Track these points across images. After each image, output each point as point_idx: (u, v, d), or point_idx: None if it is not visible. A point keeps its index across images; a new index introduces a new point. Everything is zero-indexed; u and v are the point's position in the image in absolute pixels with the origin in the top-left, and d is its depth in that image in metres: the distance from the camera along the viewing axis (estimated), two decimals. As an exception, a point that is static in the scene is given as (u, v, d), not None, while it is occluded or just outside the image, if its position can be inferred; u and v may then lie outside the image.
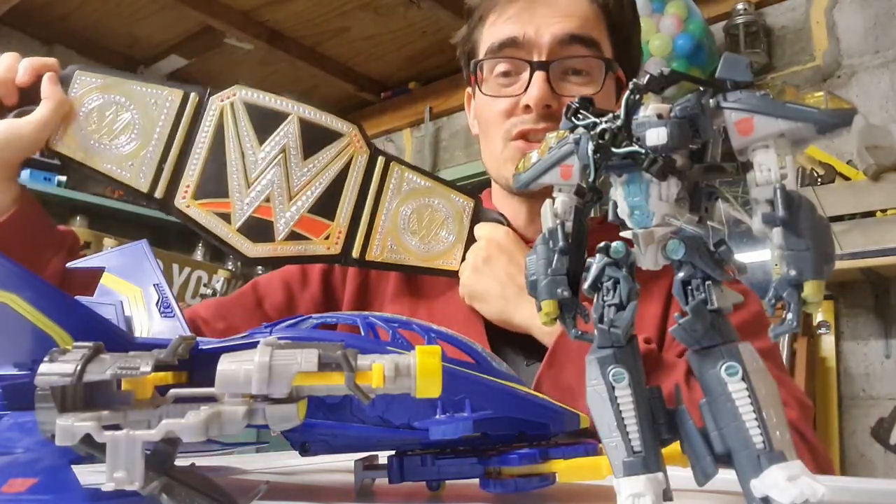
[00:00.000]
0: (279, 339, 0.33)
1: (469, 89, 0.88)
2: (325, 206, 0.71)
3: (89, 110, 0.69)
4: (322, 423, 0.39)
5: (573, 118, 0.33)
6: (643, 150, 0.30)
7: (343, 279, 0.86)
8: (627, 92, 0.32)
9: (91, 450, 0.28)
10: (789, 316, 0.28)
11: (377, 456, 0.44)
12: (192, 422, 0.28)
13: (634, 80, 0.32)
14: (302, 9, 2.95)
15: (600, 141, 0.31)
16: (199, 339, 0.37)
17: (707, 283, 0.30)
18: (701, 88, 0.31)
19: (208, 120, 0.70)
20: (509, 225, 0.78)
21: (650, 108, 0.31)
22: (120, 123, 0.69)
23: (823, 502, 0.26)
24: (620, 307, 0.31)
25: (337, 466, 0.53)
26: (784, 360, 1.87)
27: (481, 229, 0.75)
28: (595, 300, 0.32)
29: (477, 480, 0.38)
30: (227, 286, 3.11)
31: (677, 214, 0.31)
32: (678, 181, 0.31)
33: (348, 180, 0.72)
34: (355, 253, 0.72)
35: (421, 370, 0.31)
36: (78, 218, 3.09)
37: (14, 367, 0.37)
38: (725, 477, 0.30)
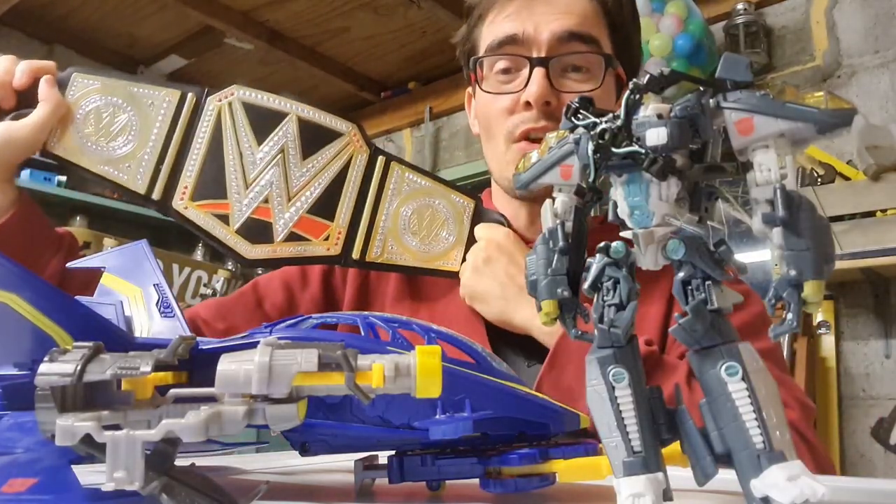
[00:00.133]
0: (279, 339, 0.33)
1: (469, 89, 0.88)
2: (325, 206, 0.71)
3: (87, 112, 0.69)
4: (322, 423, 0.39)
5: (573, 118, 0.33)
6: (643, 150, 0.30)
7: (343, 280, 0.85)
8: (627, 92, 0.32)
9: (91, 450, 0.28)
10: (789, 316, 0.28)
11: (377, 456, 0.44)
12: (192, 422, 0.28)
13: (634, 79, 0.32)
14: (302, 9, 2.95)
15: (600, 141, 0.31)
16: (199, 339, 0.37)
17: (707, 283, 0.30)
18: (701, 88, 0.31)
19: (206, 120, 0.70)
20: (510, 226, 0.78)
21: (650, 108, 0.31)
22: (117, 125, 0.69)
23: (823, 502, 0.26)
24: (620, 307, 0.31)
25: (337, 466, 0.53)
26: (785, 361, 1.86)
27: (482, 230, 0.75)
28: (595, 300, 0.32)
29: (477, 480, 0.38)
30: (227, 286, 3.11)
31: (677, 214, 0.31)
32: (678, 181, 0.31)
33: (348, 180, 0.72)
34: (355, 254, 0.72)
35: (421, 370, 0.31)
36: (78, 218, 3.09)
37: (14, 367, 0.37)
38: (725, 477, 0.30)
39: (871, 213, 2.02)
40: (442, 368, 0.31)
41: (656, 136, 0.30)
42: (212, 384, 0.30)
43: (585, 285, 0.32)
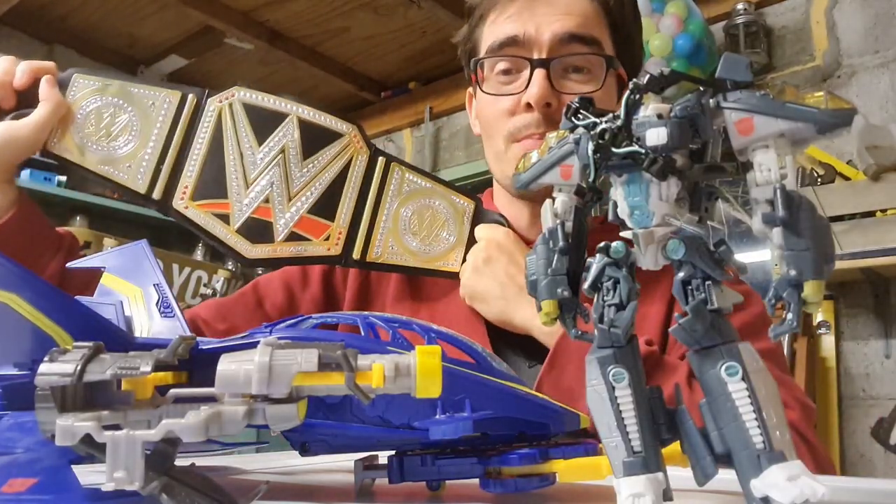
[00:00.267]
0: (279, 339, 0.33)
1: (470, 89, 0.88)
2: (325, 206, 0.71)
3: (87, 112, 0.69)
4: (322, 423, 0.39)
5: (573, 118, 0.33)
6: (643, 150, 0.30)
7: (344, 280, 0.85)
8: (627, 92, 0.32)
9: (91, 450, 0.28)
10: (789, 316, 0.28)
11: (377, 456, 0.44)
12: (192, 422, 0.28)
13: (634, 80, 0.32)
14: (302, 9, 2.96)
15: (600, 141, 0.31)
16: (199, 339, 0.37)
17: (707, 283, 0.30)
18: (701, 88, 0.31)
19: (206, 121, 0.70)
20: (510, 226, 0.78)
21: (650, 108, 0.31)
22: (118, 125, 0.69)
23: (823, 502, 0.26)
24: (620, 307, 0.31)
25: (337, 466, 0.53)
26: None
27: (482, 230, 0.75)
28: (595, 300, 0.32)
29: (477, 480, 0.38)
30: (227, 286, 3.11)
31: (677, 214, 0.31)
32: (678, 181, 0.31)
33: (348, 181, 0.72)
34: (356, 254, 0.72)
35: (421, 370, 0.31)
36: (78, 218, 3.10)
37: (14, 367, 0.37)
38: (725, 477, 0.30)
39: (871, 213, 2.02)
40: (442, 368, 0.31)
41: (656, 136, 0.30)
42: (212, 384, 0.30)
43: (585, 285, 0.32)
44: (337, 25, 3.10)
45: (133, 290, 0.47)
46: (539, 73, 0.75)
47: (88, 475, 0.33)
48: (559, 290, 0.32)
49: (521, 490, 0.37)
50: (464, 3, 0.86)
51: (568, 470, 0.37)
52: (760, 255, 2.15)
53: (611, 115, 0.32)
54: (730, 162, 0.31)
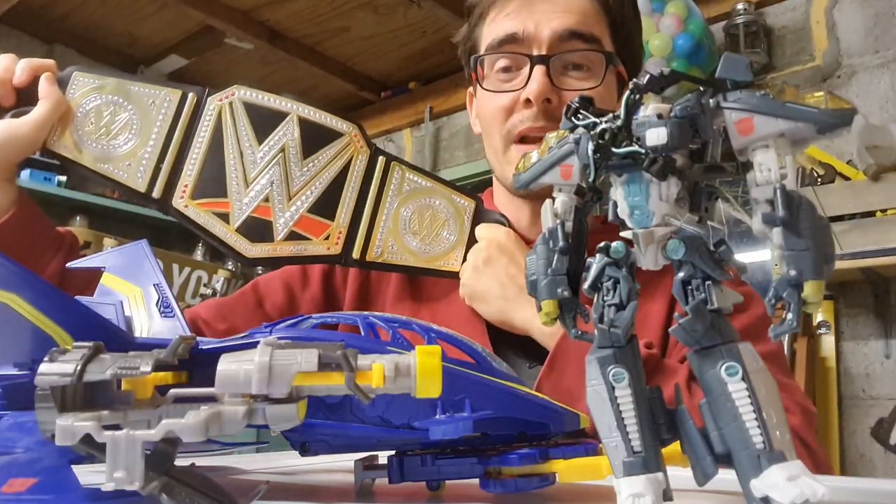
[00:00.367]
0: (279, 338, 0.33)
1: (471, 89, 0.88)
2: (325, 205, 0.71)
3: (87, 111, 0.69)
4: (322, 423, 0.39)
5: (573, 118, 0.33)
6: (643, 150, 0.30)
7: (344, 280, 0.85)
8: (627, 92, 0.32)
9: (91, 450, 0.28)
10: (789, 316, 0.28)
11: (377, 456, 0.44)
12: (192, 422, 0.28)
13: (634, 79, 0.32)
14: (302, 8, 2.95)
15: (600, 141, 0.31)
16: (198, 339, 0.37)
17: (707, 283, 0.30)
18: (701, 88, 0.31)
19: (206, 119, 0.70)
20: (510, 226, 0.78)
21: (650, 107, 0.31)
22: (118, 124, 0.69)
23: (823, 502, 0.26)
24: (620, 307, 0.31)
25: (337, 466, 0.53)
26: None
27: (482, 230, 0.75)
28: (595, 300, 0.32)
29: (477, 480, 0.38)
30: (227, 286, 3.11)
31: (677, 214, 0.31)
32: (678, 181, 0.31)
33: (348, 180, 0.72)
34: (356, 253, 0.72)
35: (421, 370, 0.31)
36: (78, 218, 3.09)
37: (14, 367, 0.37)
38: (725, 477, 0.30)
39: (871, 213, 2.02)
40: (442, 368, 0.31)
41: (656, 136, 0.30)
42: (212, 384, 0.30)
43: (585, 285, 0.32)
44: (337, 25, 3.09)
45: (133, 290, 0.47)
46: (539, 70, 0.75)
47: (88, 475, 0.33)
48: (559, 290, 0.32)
49: (521, 490, 0.37)
50: (464, 2, 0.86)
51: (568, 470, 0.37)
52: (760, 255, 2.15)
53: (611, 115, 0.32)
54: (730, 162, 0.31)
